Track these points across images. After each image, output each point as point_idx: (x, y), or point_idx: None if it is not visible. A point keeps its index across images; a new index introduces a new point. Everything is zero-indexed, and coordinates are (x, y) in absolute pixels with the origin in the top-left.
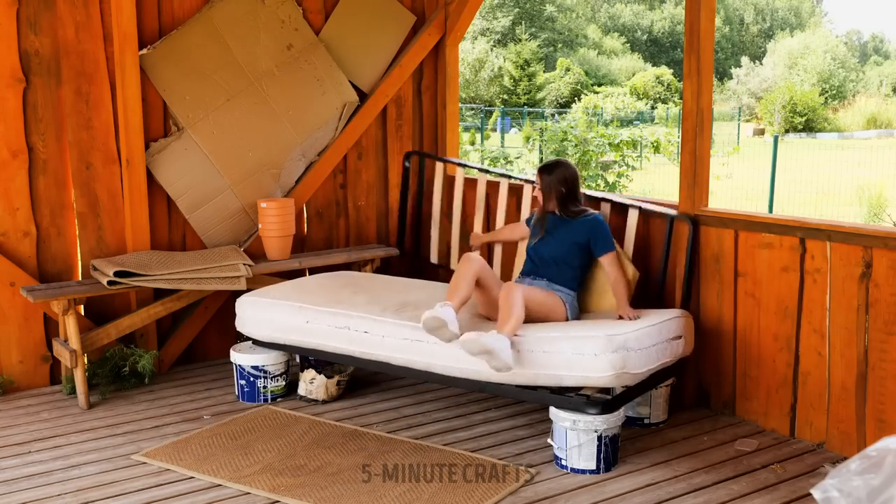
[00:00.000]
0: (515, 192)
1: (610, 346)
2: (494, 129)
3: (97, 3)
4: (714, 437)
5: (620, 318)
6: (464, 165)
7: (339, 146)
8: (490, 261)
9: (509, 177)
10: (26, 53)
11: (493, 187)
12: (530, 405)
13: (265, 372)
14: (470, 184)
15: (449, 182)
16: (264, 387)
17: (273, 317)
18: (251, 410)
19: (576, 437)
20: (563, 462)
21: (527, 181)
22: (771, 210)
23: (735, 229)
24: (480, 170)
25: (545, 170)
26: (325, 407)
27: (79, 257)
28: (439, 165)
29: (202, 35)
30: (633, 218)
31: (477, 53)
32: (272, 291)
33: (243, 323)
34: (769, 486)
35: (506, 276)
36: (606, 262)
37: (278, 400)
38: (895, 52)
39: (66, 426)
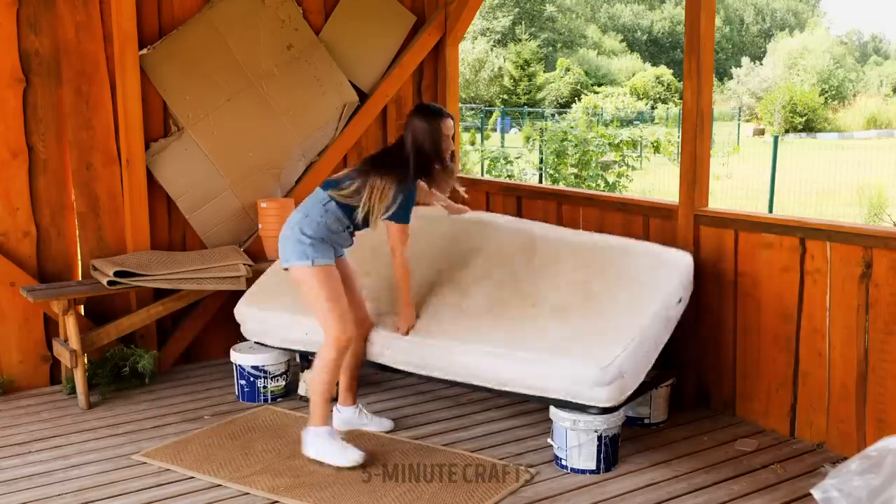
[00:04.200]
0: None
1: (606, 377)
2: (494, 129)
3: (97, 3)
4: (714, 437)
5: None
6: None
7: (340, 146)
8: None
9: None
10: (26, 53)
11: None
12: (530, 405)
13: (265, 372)
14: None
15: None
16: (264, 387)
17: (273, 330)
18: (251, 410)
19: (576, 437)
20: (563, 462)
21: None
22: (771, 210)
23: (735, 229)
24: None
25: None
26: None
27: (79, 257)
28: None
29: (202, 35)
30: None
31: (477, 53)
32: (265, 298)
33: (249, 333)
34: (769, 486)
35: None
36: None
37: (278, 400)
38: (895, 52)
39: (66, 426)
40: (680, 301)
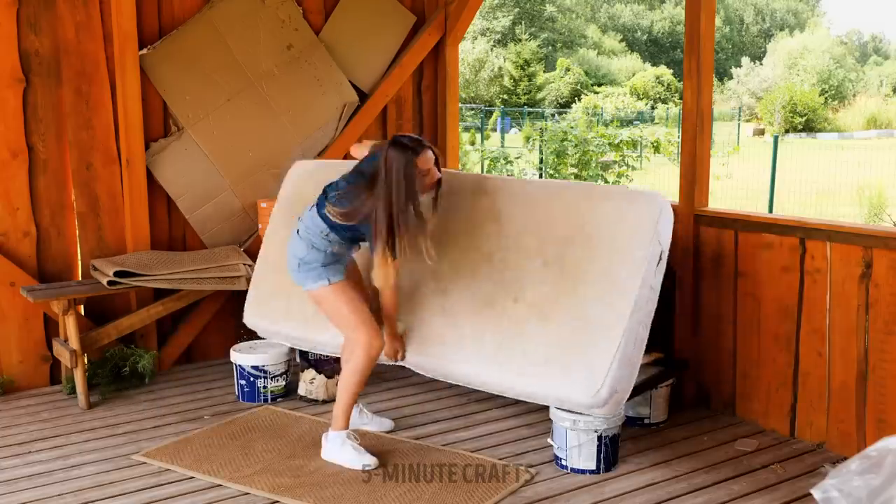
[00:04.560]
0: None
1: (598, 400)
2: (494, 129)
3: (97, 3)
4: (714, 437)
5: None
6: None
7: (339, 146)
8: None
9: None
10: (26, 53)
11: None
12: (531, 405)
13: (265, 372)
14: None
15: None
16: (264, 387)
17: (287, 341)
18: (251, 410)
19: (576, 437)
20: (563, 462)
21: None
22: (771, 210)
23: (735, 229)
24: None
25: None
26: (325, 407)
27: (79, 257)
28: None
29: (202, 35)
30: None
31: (477, 53)
32: (266, 308)
33: (267, 336)
34: (769, 486)
35: None
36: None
37: (278, 400)
38: (895, 52)
39: (66, 426)
40: (660, 259)
